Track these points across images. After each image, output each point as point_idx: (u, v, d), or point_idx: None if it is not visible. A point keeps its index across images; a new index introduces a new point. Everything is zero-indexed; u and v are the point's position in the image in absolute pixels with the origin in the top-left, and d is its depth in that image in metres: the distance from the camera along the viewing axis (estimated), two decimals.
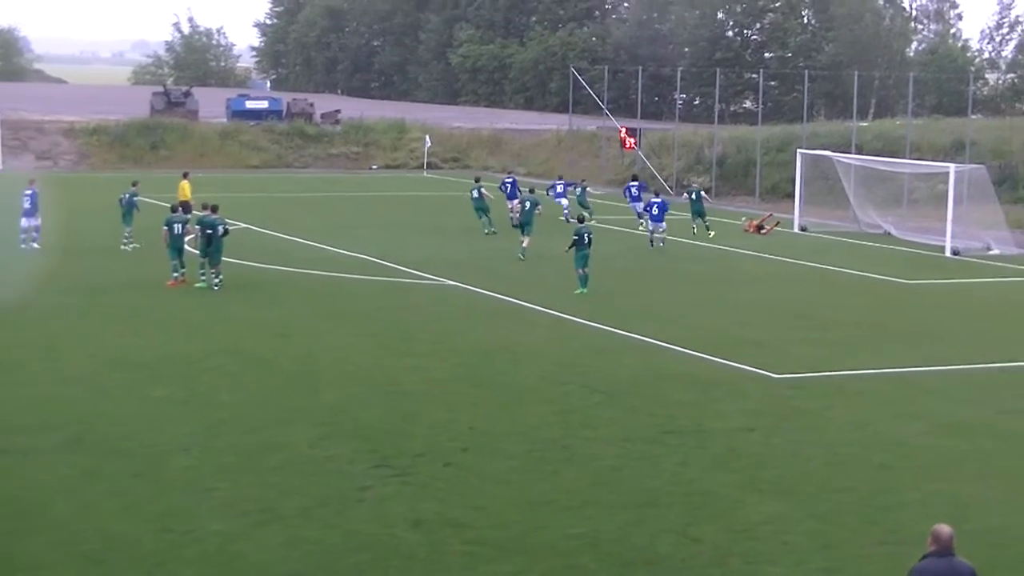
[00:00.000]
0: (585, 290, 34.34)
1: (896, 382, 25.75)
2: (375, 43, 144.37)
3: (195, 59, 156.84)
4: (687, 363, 26.87)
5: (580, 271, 34.55)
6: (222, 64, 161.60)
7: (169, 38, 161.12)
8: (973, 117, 66.53)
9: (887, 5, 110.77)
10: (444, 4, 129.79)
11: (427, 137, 76.88)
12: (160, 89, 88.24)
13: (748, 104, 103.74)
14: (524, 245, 41.25)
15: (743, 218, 53.19)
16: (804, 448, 20.91)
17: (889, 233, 50.78)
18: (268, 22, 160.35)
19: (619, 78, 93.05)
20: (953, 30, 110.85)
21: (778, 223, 50.66)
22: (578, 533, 16.73)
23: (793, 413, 23.13)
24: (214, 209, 34.60)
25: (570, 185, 53.55)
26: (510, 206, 49.35)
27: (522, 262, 40.16)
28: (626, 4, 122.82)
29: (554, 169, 70.49)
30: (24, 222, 40.04)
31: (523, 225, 42.44)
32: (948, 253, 45.66)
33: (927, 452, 21.00)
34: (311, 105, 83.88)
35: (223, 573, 15.44)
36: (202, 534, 16.44)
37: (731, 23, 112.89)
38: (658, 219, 43.82)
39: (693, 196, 48.83)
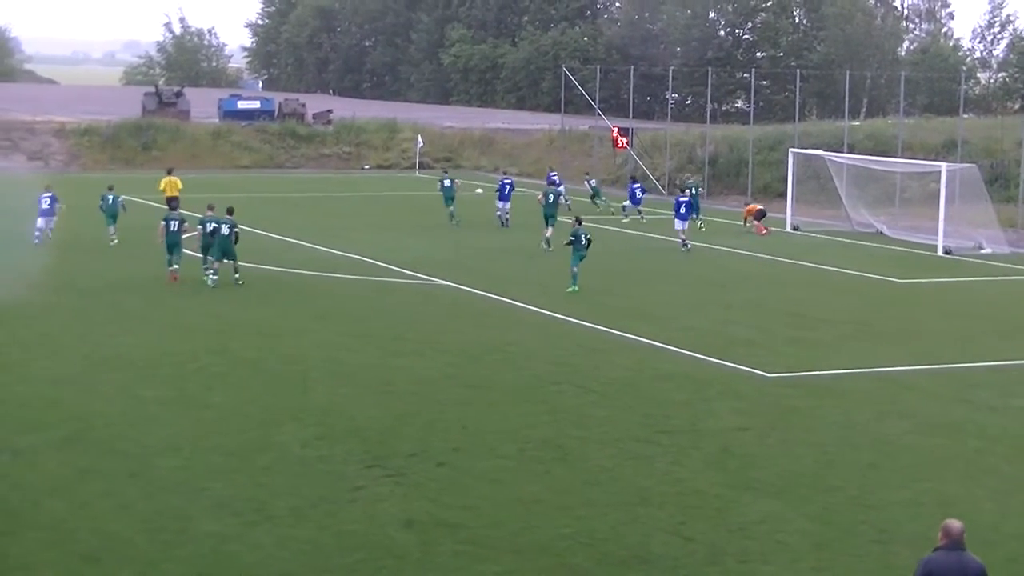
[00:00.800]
0: (576, 288, 34.42)
1: (887, 381, 25.80)
2: (366, 43, 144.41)
3: (186, 59, 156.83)
4: (680, 362, 26.90)
5: (574, 269, 34.66)
6: (213, 64, 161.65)
7: (160, 38, 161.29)
8: (965, 116, 66.61)
9: (878, 4, 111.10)
10: (435, 4, 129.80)
11: (419, 137, 76.83)
12: (152, 89, 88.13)
13: (740, 103, 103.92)
14: (548, 235, 42.43)
15: (745, 202, 53.74)
16: (796, 447, 20.95)
17: (881, 232, 50.84)
18: (259, 22, 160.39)
19: (611, 78, 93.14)
20: (944, 29, 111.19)
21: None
22: (571, 533, 16.74)
23: (785, 412, 23.16)
24: (231, 211, 35.22)
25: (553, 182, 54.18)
26: (500, 207, 49.44)
27: (539, 254, 40.16)
28: (617, 4, 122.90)
29: (546, 169, 70.68)
30: (41, 222, 41.91)
31: (548, 216, 43.65)
32: (940, 252, 45.72)
33: (918, 451, 21.04)
34: (303, 105, 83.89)
35: (216, 573, 15.44)
36: (195, 534, 16.45)
37: (723, 22, 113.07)
38: (684, 218, 43.66)
39: (694, 191, 49.03)
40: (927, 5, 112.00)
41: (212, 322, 30.11)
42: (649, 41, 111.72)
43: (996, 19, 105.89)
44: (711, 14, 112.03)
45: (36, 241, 41.48)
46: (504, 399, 23.53)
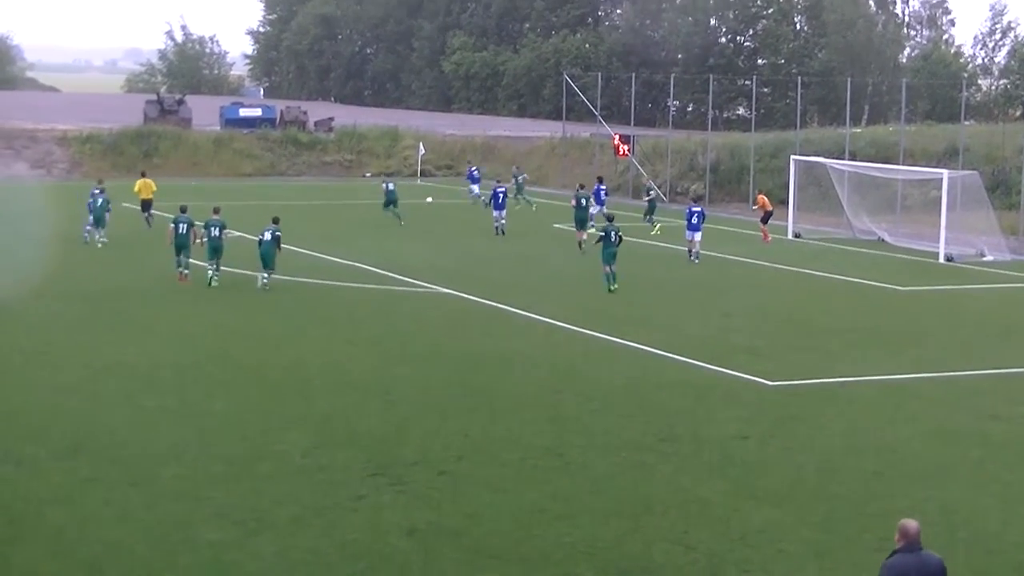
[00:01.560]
0: (615, 286, 35.40)
1: (889, 389, 25.77)
2: (368, 50, 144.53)
3: (188, 67, 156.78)
4: (681, 370, 26.89)
5: (607, 269, 35.55)
6: (215, 72, 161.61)
7: (162, 46, 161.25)
8: (966, 123, 66.60)
9: (880, 11, 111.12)
10: (437, 11, 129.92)
11: (421, 145, 76.74)
12: (153, 97, 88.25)
13: (741, 110, 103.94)
14: (584, 239, 43.88)
15: (758, 195, 53.56)
16: (798, 455, 20.92)
17: (883, 239, 50.82)
18: (261, 30, 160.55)
19: (612, 85, 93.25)
20: (946, 36, 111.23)
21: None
22: (573, 541, 16.73)
23: (787, 420, 23.14)
24: (277, 220, 36.17)
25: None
26: (495, 216, 49.25)
27: (576, 256, 40.20)
28: (619, 11, 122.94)
29: (548, 176, 70.77)
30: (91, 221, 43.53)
31: (579, 221, 45.35)
32: (942, 259, 45.71)
33: (920, 459, 21.02)
34: (304, 113, 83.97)
35: None
36: (196, 543, 16.43)
37: (724, 29, 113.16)
38: (696, 228, 43.46)
39: (651, 194, 50.82)
40: (928, 12, 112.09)
41: (213, 330, 30.11)
42: (650, 48, 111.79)
43: (997, 26, 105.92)
44: (712, 21, 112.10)
45: (85, 239, 43.18)
46: (506, 407, 23.51)
